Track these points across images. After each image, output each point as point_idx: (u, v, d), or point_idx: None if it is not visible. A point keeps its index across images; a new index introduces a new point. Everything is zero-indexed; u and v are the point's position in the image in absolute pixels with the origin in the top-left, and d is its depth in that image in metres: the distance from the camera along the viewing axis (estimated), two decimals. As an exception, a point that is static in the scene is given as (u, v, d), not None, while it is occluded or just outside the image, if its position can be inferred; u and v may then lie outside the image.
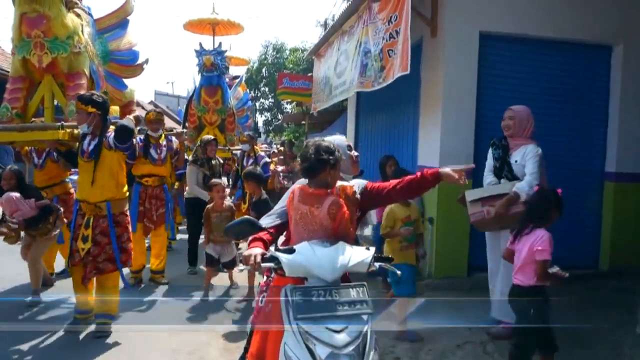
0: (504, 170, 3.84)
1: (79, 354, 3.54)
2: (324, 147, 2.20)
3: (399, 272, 2.23)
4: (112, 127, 3.97)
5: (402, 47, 4.69)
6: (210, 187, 5.21)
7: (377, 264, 2.16)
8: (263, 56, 31.36)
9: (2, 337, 3.76)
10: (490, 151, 4.01)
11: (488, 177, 4.00)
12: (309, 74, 13.86)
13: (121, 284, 4.07)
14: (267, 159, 7.93)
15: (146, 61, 5.72)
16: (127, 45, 5.57)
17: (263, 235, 2.32)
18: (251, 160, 7.39)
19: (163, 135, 5.43)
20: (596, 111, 5.34)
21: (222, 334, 4.00)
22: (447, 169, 2.28)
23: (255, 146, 7.75)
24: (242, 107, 10.59)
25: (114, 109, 5.40)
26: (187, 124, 8.17)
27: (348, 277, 2.34)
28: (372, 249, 2.18)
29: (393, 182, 2.36)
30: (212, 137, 6.27)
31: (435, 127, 5.04)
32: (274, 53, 31.26)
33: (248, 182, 4.99)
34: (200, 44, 7.61)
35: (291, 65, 27.82)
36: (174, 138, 5.57)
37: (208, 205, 5.15)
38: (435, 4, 5.03)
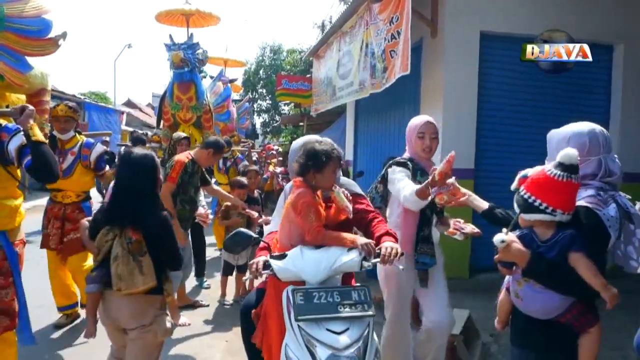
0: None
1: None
2: (309, 151, 2.17)
3: (401, 267, 2.17)
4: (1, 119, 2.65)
5: (402, 48, 4.67)
6: (233, 186, 4.92)
7: (369, 263, 2.09)
8: (260, 58, 31.37)
9: None
10: (399, 172, 2.73)
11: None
12: (307, 75, 13.84)
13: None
14: (246, 161, 7.61)
15: (63, 35, 4.19)
16: (33, 10, 4.04)
17: (270, 241, 2.32)
18: (229, 163, 7.05)
19: (75, 139, 4.04)
20: (597, 111, 5.33)
21: (224, 337, 3.96)
22: (386, 244, 2.12)
23: (233, 149, 7.41)
24: (222, 103, 10.11)
25: (20, 98, 4.22)
26: (162, 123, 7.66)
27: (351, 279, 2.32)
28: None
29: (370, 216, 2.33)
30: (184, 135, 5.51)
31: (436, 128, 5.01)
32: (271, 55, 31.28)
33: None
34: (171, 37, 6.98)
35: (288, 67, 27.82)
36: (97, 145, 4.15)
37: (227, 203, 4.82)
38: (435, 5, 5.01)
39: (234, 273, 4.93)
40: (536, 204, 1.69)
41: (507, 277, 2.03)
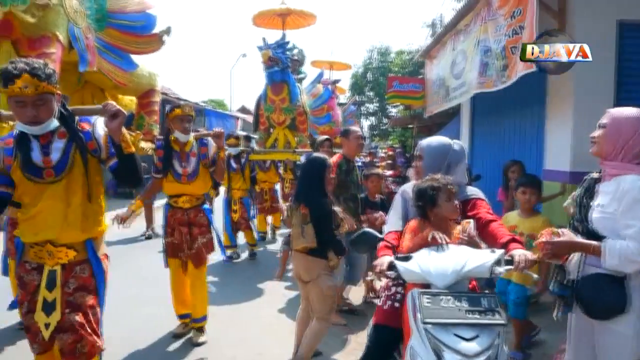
0: (579, 219, 2.21)
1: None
2: (417, 192, 2.28)
3: (535, 276, 2.05)
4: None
5: (526, 43, 4.41)
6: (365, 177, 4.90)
7: (501, 270, 1.99)
8: (368, 61, 31.47)
9: None
10: None
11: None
12: (419, 77, 13.59)
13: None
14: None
15: (167, 31, 3.91)
16: (136, 5, 3.78)
17: (392, 239, 2.34)
18: (243, 160, 6.55)
19: (192, 140, 3.83)
20: None
21: (340, 335, 4.00)
22: (519, 251, 2.03)
23: (241, 149, 6.91)
24: (322, 105, 9.49)
25: (133, 100, 3.82)
26: (258, 127, 7.50)
27: (476, 287, 2.25)
28: (499, 252, 2.03)
29: (489, 217, 2.30)
30: (326, 137, 5.52)
31: (566, 130, 4.63)
32: (379, 57, 31.22)
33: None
34: (264, 39, 6.77)
35: (396, 69, 27.56)
36: (210, 141, 3.91)
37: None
38: (563, -5, 4.64)
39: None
40: None
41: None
